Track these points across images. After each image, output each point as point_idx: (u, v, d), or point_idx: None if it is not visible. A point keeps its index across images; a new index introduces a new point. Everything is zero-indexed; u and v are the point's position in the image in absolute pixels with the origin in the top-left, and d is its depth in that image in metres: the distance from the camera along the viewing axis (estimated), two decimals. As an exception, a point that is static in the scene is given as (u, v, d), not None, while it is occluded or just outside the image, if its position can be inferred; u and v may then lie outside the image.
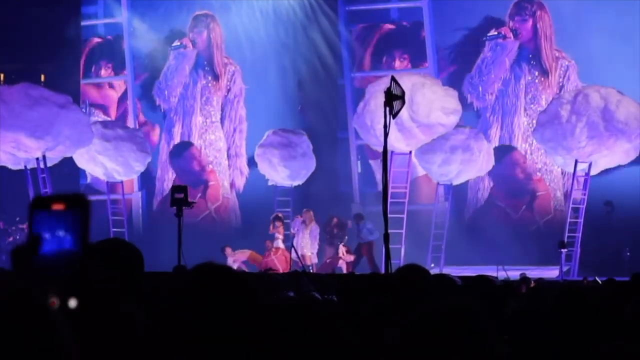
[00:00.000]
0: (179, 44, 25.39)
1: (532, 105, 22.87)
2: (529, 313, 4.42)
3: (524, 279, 14.06)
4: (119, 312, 2.62)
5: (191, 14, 25.45)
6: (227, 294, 2.87)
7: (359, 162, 24.35)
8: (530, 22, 23.14)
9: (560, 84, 22.68)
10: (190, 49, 25.44)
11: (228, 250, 21.58)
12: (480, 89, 23.29)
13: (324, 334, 3.21)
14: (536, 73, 23.05)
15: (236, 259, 21.33)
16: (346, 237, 21.39)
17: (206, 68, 25.44)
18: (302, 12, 24.71)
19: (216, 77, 25.35)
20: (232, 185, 25.14)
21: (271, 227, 21.35)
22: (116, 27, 26.08)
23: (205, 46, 25.47)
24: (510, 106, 23.21)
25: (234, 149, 25.22)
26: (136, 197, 25.25)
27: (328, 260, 21.16)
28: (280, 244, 21.22)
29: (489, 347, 2.40)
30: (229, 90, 25.33)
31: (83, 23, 25.81)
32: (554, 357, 3.66)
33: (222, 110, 25.29)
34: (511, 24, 23.27)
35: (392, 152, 19.22)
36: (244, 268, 20.81)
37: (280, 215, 21.74)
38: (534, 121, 21.24)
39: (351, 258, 20.99)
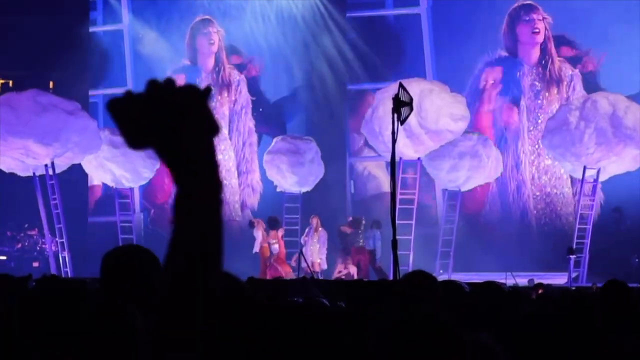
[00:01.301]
0: (187, 63, 25.16)
1: (538, 124, 22.62)
2: (538, 317, 4.41)
3: (538, 285, 13.98)
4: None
5: (195, 24, 25.14)
6: (230, 300, 2.88)
7: (352, 181, 24.28)
8: (534, 34, 22.97)
9: (567, 96, 22.46)
10: (198, 66, 25.22)
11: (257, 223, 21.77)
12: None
13: (330, 338, 3.21)
14: (538, 86, 22.85)
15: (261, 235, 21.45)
16: (360, 240, 21.29)
17: (211, 79, 25.05)
18: (304, 21, 24.57)
19: (222, 89, 25.09)
20: (243, 205, 24.62)
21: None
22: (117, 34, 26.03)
23: (209, 57, 25.24)
24: (512, 130, 23.02)
25: (244, 164, 24.62)
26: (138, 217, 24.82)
27: (344, 277, 20.87)
28: (276, 248, 21.31)
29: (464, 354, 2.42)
30: (235, 102, 24.94)
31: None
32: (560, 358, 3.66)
33: (230, 123, 24.80)
34: (519, 28, 23.00)
35: (400, 158, 19.23)
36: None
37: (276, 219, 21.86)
38: (540, 142, 21.25)
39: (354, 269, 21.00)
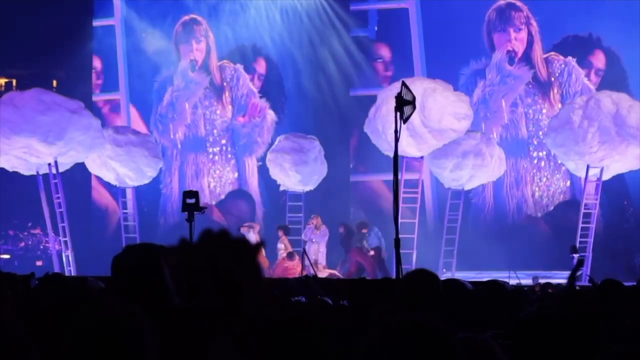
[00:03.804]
0: (190, 61, 25.07)
1: (540, 133, 22.51)
2: (541, 316, 4.41)
3: (546, 284, 13.93)
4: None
5: (184, 24, 24.98)
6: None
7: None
8: (520, 34, 22.92)
9: (566, 90, 22.43)
10: (200, 74, 25.11)
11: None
12: (483, 126, 22.81)
13: (333, 337, 3.21)
14: (535, 90, 22.81)
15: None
16: (360, 243, 21.37)
17: (207, 88, 25.05)
18: (310, 19, 24.50)
19: (218, 95, 25.08)
20: None
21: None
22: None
23: (202, 59, 25.12)
24: (511, 141, 22.93)
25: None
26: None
27: (336, 272, 21.06)
28: (283, 254, 21.35)
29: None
30: (234, 96, 24.95)
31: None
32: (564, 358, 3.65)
33: (232, 117, 24.91)
34: (499, 32, 22.86)
35: (403, 157, 19.23)
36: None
37: (284, 226, 21.82)
38: (540, 153, 21.22)
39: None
